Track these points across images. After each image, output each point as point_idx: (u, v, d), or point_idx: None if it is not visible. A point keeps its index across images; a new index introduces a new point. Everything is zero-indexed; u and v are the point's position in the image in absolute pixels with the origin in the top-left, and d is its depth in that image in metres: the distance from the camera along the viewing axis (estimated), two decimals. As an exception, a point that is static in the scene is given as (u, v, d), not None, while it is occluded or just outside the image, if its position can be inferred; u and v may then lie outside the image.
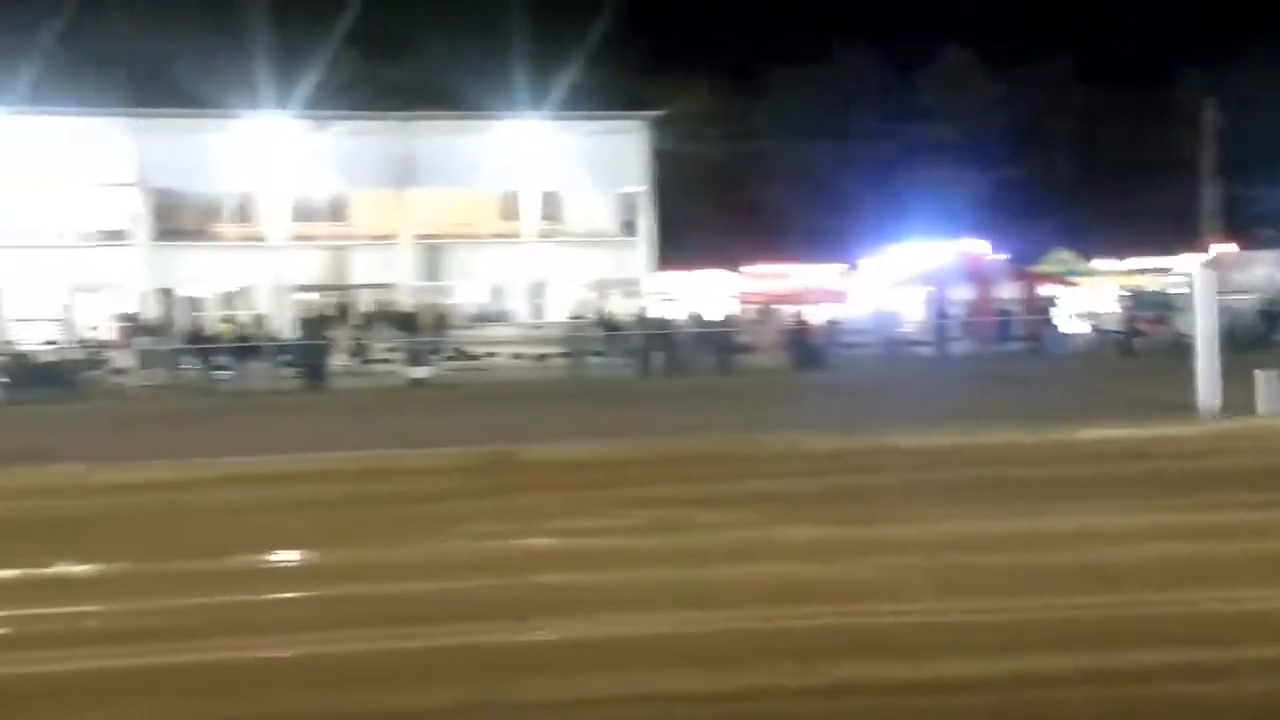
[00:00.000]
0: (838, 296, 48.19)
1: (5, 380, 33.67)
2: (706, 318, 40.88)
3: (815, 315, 41.54)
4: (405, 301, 47.67)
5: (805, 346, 37.44)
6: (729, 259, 54.91)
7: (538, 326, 47.80)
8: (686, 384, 33.31)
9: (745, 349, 38.60)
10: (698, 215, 58.02)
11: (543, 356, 37.99)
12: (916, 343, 40.31)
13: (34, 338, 42.11)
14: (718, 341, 37.18)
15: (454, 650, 8.54)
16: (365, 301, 50.16)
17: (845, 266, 53.48)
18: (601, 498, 14.75)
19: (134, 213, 48.18)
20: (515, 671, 8.08)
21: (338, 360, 37.76)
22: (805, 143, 62.02)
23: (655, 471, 16.64)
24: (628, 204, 53.19)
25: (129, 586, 10.84)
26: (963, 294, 42.53)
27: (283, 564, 11.96)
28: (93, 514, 14.68)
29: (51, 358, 36.00)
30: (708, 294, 50.70)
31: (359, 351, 39.87)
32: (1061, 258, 56.86)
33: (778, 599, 9.79)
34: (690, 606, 9.59)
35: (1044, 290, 44.88)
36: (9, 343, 38.89)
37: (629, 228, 52.76)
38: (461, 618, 9.45)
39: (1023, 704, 7.36)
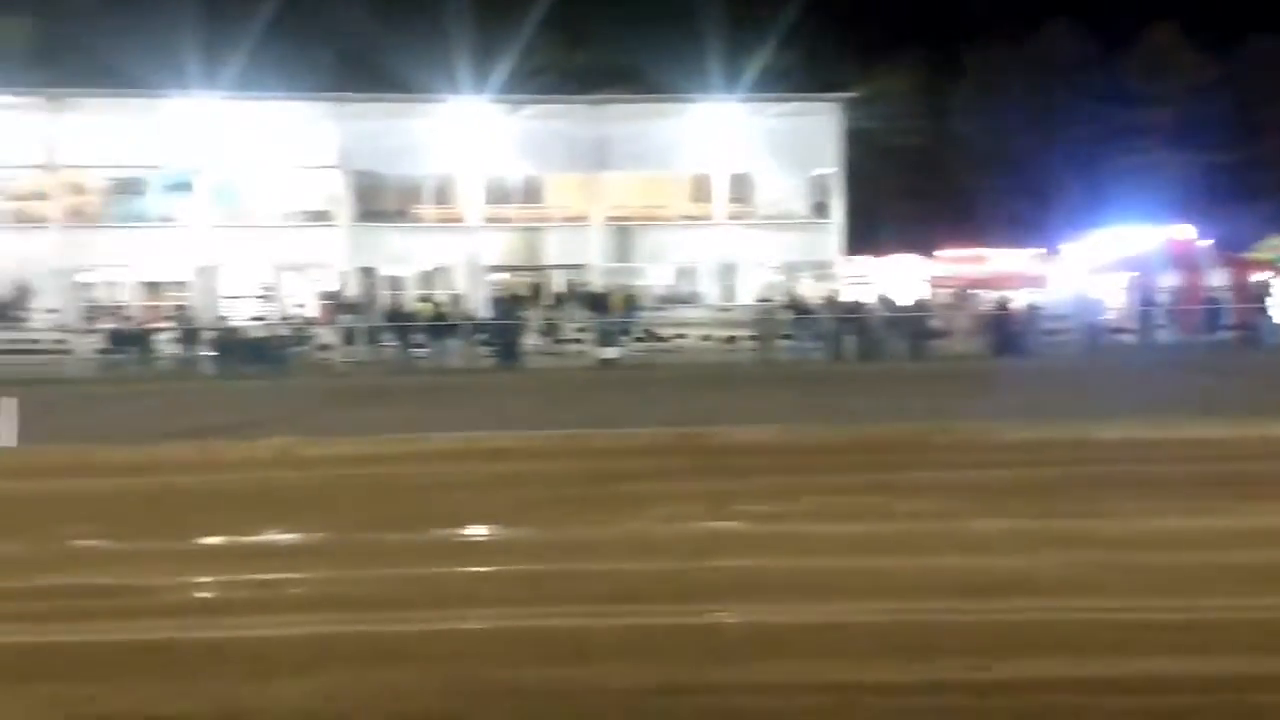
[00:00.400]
0: (1036, 282, 47.10)
1: (215, 354, 35.15)
2: (899, 302, 40.38)
3: (1014, 300, 40.67)
4: (596, 283, 48.17)
5: (1003, 332, 36.71)
6: (922, 243, 54.05)
7: (727, 309, 47.79)
8: (878, 369, 33.03)
9: (939, 334, 38.05)
10: (891, 198, 57.22)
11: (731, 339, 38.05)
12: (1119, 330, 39.18)
13: (243, 314, 43.91)
14: (911, 326, 36.75)
15: (646, 630, 8.63)
16: (557, 282, 50.84)
17: (1044, 251, 52.20)
18: (791, 483, 14.72)
19: (336, 194, 49.67)
20: (704, 654, 8.13)
21: (530, 340, 38.43)
22: (1005, 124, 60.61)
23: (845, 458, 16.55)
24: (819, 186, 52.74)
25: (334, 556, 11.21)
26: (1169, 281, 41.12)
27: (480, 538, 12.24)
28: (299, 485, 15.25)
29: (260, 334, 37.39)
30: (900, 278, 50.02)
31: (551, 331, 40.51)
32: (1275, 244, 54.47)
33: (966, 591, 9.65)
34: (877, 596, 9.52)
35: (1256, 278, 43.07)
36: (221, 318, 40.56)
37: (820, 210, 52.31)
38: (651, 598, 9.56)
39: (1218, 706, 7.13)
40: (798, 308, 40.08)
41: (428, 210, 50.60)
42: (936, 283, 49.78)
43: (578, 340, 38.67)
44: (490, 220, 50.33)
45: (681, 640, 8.42)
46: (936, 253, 53.80)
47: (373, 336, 38.38)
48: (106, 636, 8.65)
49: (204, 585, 10.32)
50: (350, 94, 48.31)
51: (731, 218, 51.93)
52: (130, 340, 36.04)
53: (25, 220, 48.20)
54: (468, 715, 6.95)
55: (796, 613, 9.12)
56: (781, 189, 53.59)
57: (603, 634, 8.50)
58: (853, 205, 52.41)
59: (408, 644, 8.31)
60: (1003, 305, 38.67)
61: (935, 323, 39.04)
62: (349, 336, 38.39)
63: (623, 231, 51.41)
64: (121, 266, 48.58)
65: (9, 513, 13.59)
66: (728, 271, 52.06)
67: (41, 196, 48.17)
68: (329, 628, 8.75)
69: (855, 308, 39.25)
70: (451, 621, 8.88)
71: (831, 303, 39.69)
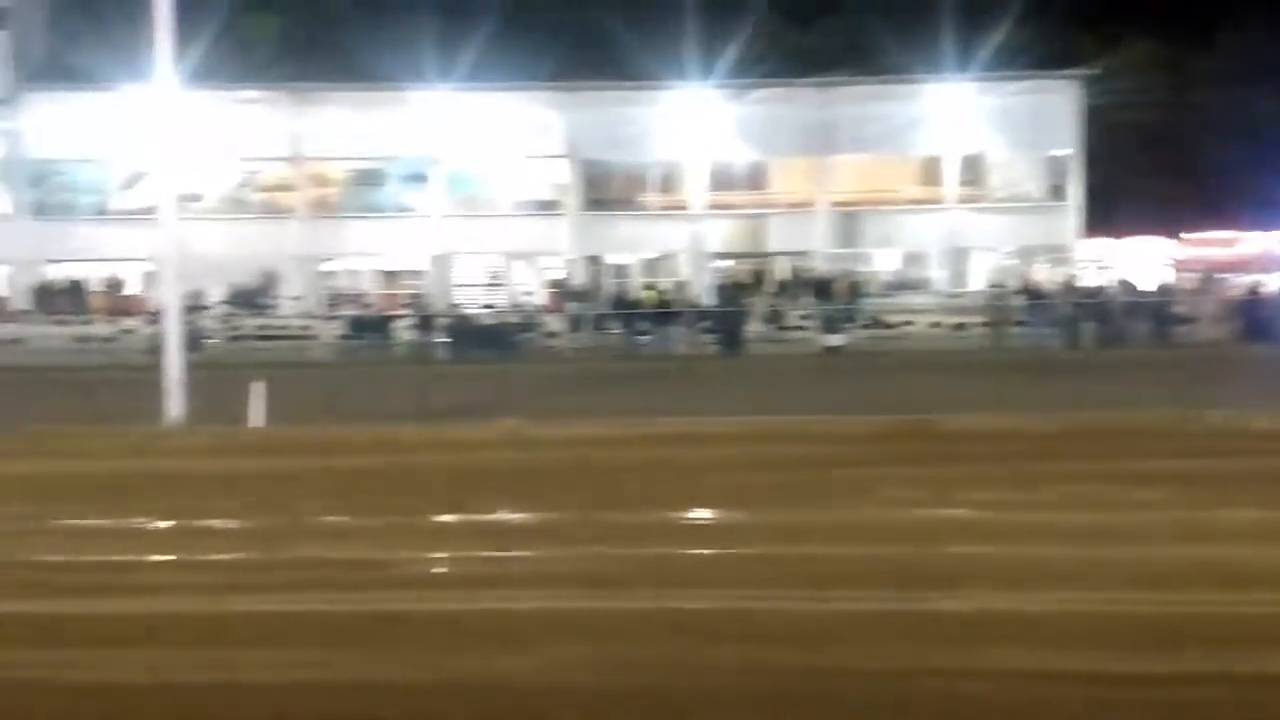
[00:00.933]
0: (1287, 265, 44.87)
1: (448, 340, 36.20)
2: (1140, 286, 38.95)
3: (1266, 285, 38.81)
4: (821, 269, 47.83)
5: (1254, 318, 35.03)
6: (1166, 225, 51.96)
7: (957, 295, 46.86)
8: (1118, 356, 31.97)
9: (1184, 320, 36.56)
10: (1132, 178, 55.11)
11: (962, 326, 37.33)
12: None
13: (475, 302, 45.12)
14: (1153, 311, 35.41)
15: (873, 615, 8.57)
16: (782, 269, 50.67)
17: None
18: (1023, 471, 14.37)
19: (564, 183, 50.52)
20: (931, 639, 8.02)
21: (754, 327, 38.42)
22: (1257, 99, 57.65)
23: (1082, 446, 16.08)
24: (1056, 167, 51.22)
25: (563, 535, 11.44)
26: None
27: (705, 521, 12.32)
28: (529, 467, 15.58)
29: (490, 321, 38.34)
30: (1142, 261, 48.25)
31: (775, 319, 40.40)
32: None
33: (1210, 582, 9.29)
34: (1113, 586, 9.24)
35: None
36: (454, 306, 41.73)
37: (1057, 192, 50.79)
38: (878, 583, 9.48)
39: None
40: (1033, 293, 39.03)
41: (653, 198, 51.03)
42: (1181, 266, 47.89)
43: (802, 327, 38.48)
44: (715, 207, 50.45)
45: (909, 626, 8.32)
46: (1182, 235, 51.69)
47: (598, 323, 38.94)
48: (348, 607, 9.01)
49: (439, 561, 10.66)
50: (578, 83, 49.00)
51: (962, 201, 50.86)
52: (369, 326, 37.42)
53: (271, 211, 50.49)
54: (698, 693, 7.00)
55: (1028, 601, 8.93)
56: (1016, 170, 52.26)
57: (830, 618, 8.46)
58: (1091, 186, 50.67)
59: (637, 622, 8.42)
60: (1253, 290, 36.93)
61: (1180, 308, 37.55)
62: (575, 323, 39.04)
63: (849, 216, 50.88)
64: (361, 255, 50.47)
65: (260, 489, 14.26)
66: (958, 256, 51.03)
67: (287, 188, 50.37)
68: (559, 604, 8.94)
69: (1094, 293, 38.02)
70: (680, 601, 8.96)
71: (1069, 287, 38.53)
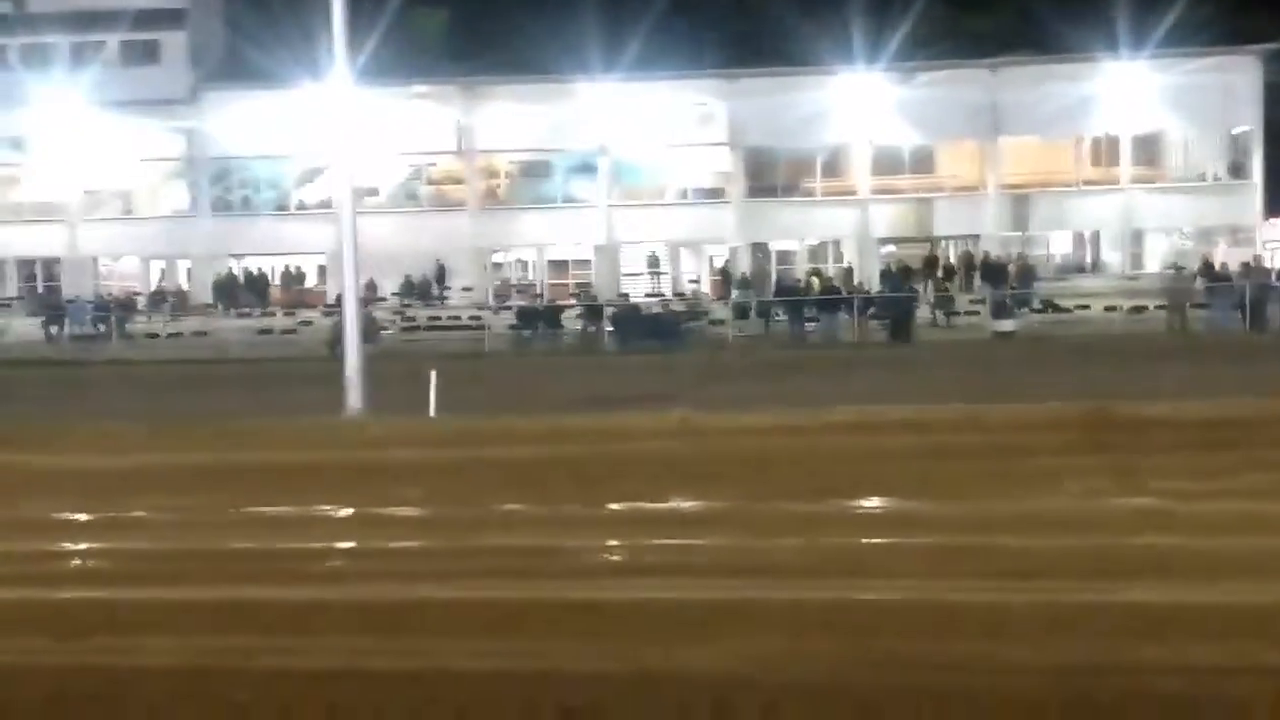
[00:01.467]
0: None
1: (615, 329, 36.45)
2: (1326, 267, 37.44)
3: None
4: (992, 253, 46.95)
5: None
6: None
7: (1133, 277, 45.61)
8: (1303, 339, 30.79)
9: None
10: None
11: (1139, 309, 36.30)
12: None
13: (641, 290, 45.39)
14: (1341, 293, 34.00)
15: (1062, 606, 8.37)
16: (951, 253, 49.90)
17: None
18: (1214, 459, 13.88)
19: (728, 171, 50.46)
20: (1121, 633, 7.81)
21: (923, 313, 37.90)
22: None
23: (1270, 432, 15.46)
24: (1236, 145, 49.47)
25: (738, 524, 11.41)
26: None
27: (882, 510, 12.17)
28: (701, 456, 15.57)
29: (657, 309, 38.49)
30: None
31: (943, 304, 39.79)
32: None
33: None
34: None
35: None
36: (621, 295, 42.03)
37: (1238, 170, 49.06)
38: (1065, 574, 9.28)
39: None
40: (1213, 275, 37.75)
41: (818, 183, 50.68)
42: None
43: (972, 312, 37.82)
44: (880, 191, 49.93)
45: (1099, 618, 8.11)
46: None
47: (764, 311, 38.82)
48: (532, 594, 9.13)
49: (616, 549, 10.73)
50: (741, 70, 48.91)
51: (1137, 181, 49.48)
52: (538, 317, 37.87)
53: (442, 204, 51.46)
54: (880, 686, 6.93)
55: (1226, 592, 8.64)
56: (1193, 149, 50.63)
57: (1016, 610, 8.29)
58: (1275, 164, 48.83)
59: (817, 612, 8.37)
60: None
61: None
62: (741, 311, 38.98)
63: (1019, 199, 49.88)
64: (530, 246, 51.15)
65: (438, 478, 14.51)
66: (1134, 238, 49.64)
67: (456, 181, 51.30)
68: (736, 593, 8.92)
69: (1278, 274, 36.63)
70: (860, 591, 8.88)
71: (1251, 269, 37.15)
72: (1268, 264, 40.41)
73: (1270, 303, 34.38)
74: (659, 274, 50.43)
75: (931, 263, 47.83)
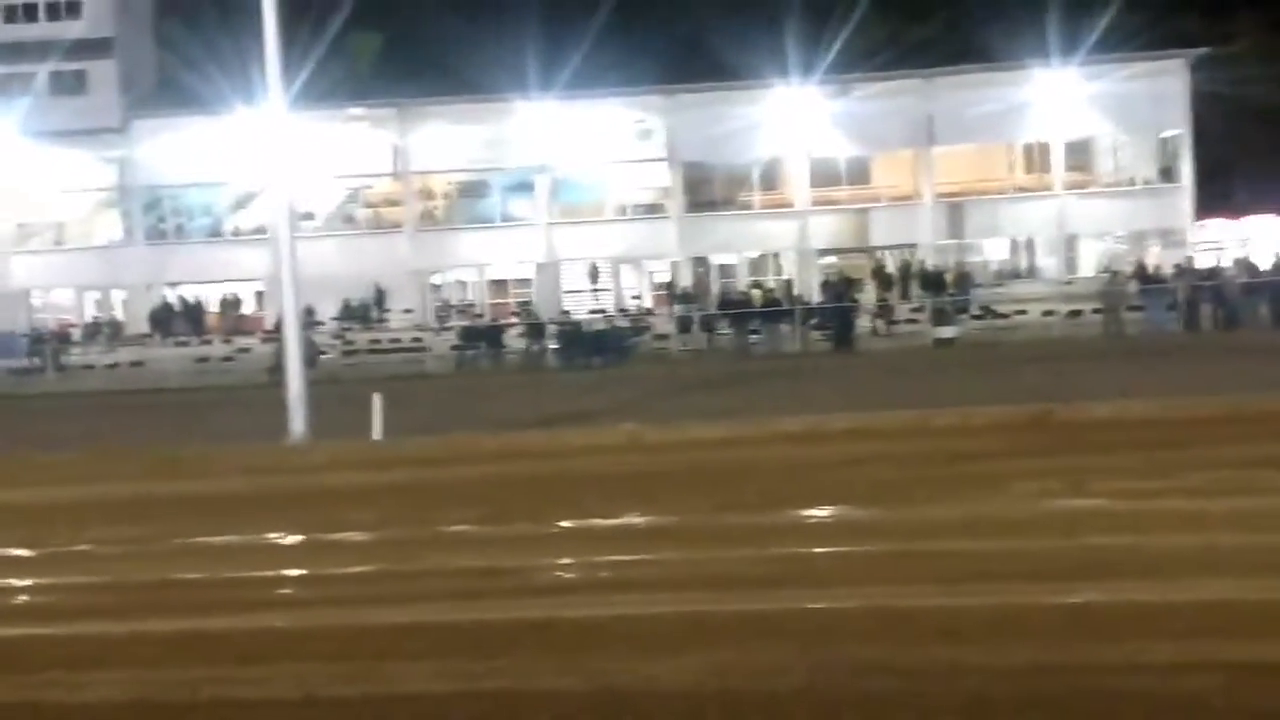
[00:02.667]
0: None
1: (558, 347, 36.38)
2: (1259, 267, 37.97)
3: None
4: (929, 261, 47.33)
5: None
6: (1283, 204, 50.62)
7: (1069, 282, 46.13)
8: (1238, 338, 31.24)
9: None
10: (1247, 158, 53.77)
11: (1076, 313, 36.70)
12: None
13: (583, 307, 45.35)
14: (1273, 292, 34.49)
15: (1015, 609, 8.42)
16: (889, 263, 50.24)
17: None
18: (1158, 458, 14.08)
19: (667, 186, 50.57)
20: (1074, 634, 7.86)
21: (863, 322, 38.12)
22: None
23: (1216, 431, 15.71)
24: (1166, 149, 50.20)
25: (692, 538, 11.41)
26: None
27: (835, 519, 12.20)
28: (651, 470, 15.59)
29: (599, 326, 38.46)
30: (1259, 241, 47.06)
31: (884, 313, 40.06)
32: None
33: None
34: (1268, 574, 8.99)
35: None
36: (563, 312, 41.96)
37: (1168, 174, 49.77)
38: (1018, 577, 9.34)
39: None
40: (1147, 277, 38.25)
41: (756, 196, 50.89)
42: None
43: (912, 321, 38.09)
44: (818, 203, 50.20)
45: (1050, 619, 8.17)
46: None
47: (707, 324, 38.91)
48: (488, 615, 9.05)
49: (571, 566, 10.67)
50: (677, 86, 49.03)
51: (1070, 187, 50.07)
52: (480, 336, 37.72)
53: (380, 226, 51.21)
54: (844, 693, 6.93)
55: (1174, 591, 8.73)
56: (1125, 154, 51.33)
57: (968, 613, 8.34)
58: (1204, 167, 49.58)
59: (777, 622, 8.37)
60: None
61: (1301, 288, 36.55)
62: (684, 325, 39.05)
63: (954, 207, 50.32)
64: (469, 266, 50.98)
65: (386, 501, 14.43)
66: (1068, 243, 50.24)
67: (394, 202, 51.06)
68: (695, 606, 8.91)
69: (1211, 275, 37.15)
70: (818, 601, 8.89)
71: (1184, 270, 37.68)
72: (1199, 265, 40.95)
73: (1203, 303, 34.84)
74: (601, 291, 50.45)
75: (871, 273, 48.14)
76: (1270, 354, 25.62)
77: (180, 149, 48.38)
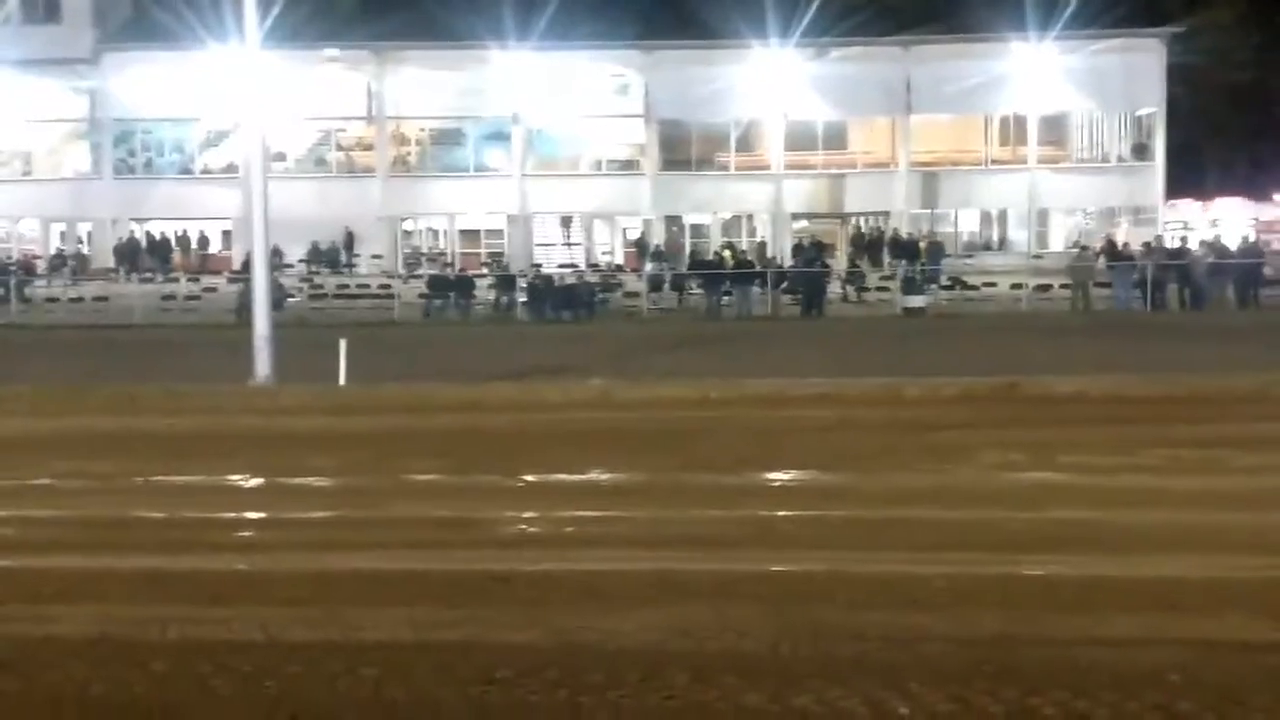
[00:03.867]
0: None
1: (527, 300, 36.25)
2: (1227, 248, 38.18)
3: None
4: (902, 229, 47.40)
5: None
6: (1253, 185, 50.92)
7: (1039, 256, 46.34)
8: (1204, 319, 31.48)
9: (1271, 282, 35.91)
10: (1219, 138, 54.04)
11: (1044, 287, 36.84)
12: None
13: (554, 261, 45.19)
14: (1240, 273, 34.70)
15: (980, 579, 8.46)
16: (862, 229, 50.30)
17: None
18: (1123, 434, 14.19)
19: (642, 143, 50.38)
20: (1036, 605, 7.91)
21: (834, 288, 38.15)
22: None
23: (1177, 409, 15.84)
24: (1140, 127, 50.37)
25: (659, 495, 11.42)
26: None
27: (801, 483, 12.23)
28: (619, 427, 15.59)
29: (570, 280, 38.34)
30: (1228, 222, 47.33)
31: (855, 279, 40.10)
32: None
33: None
34: (1222, 551, 9.09)
35: None
36: (534, 265, 41.78)
37: (1141, 152, 49.96)
38: (983, 546, 9.39)
39: None
40: (1116, 254, 38.40)
41: (732, 157, 50.77)
42: (1267, 228, 46.95)
43: (883, 288, 38.15)
44: (793, 167, 50.14)
45: (1017, 591, 8.22)
46: (1270, 196, 50.62)
47: (678, 284, 38.86)
48: (451, 566, 9.04)
49: (536, 520, 10.66)
50: (657, 42, 48.80)
51: (1043, 161, 50.20)
52: (449, 286, 37.53)
53: (352, 170, 50.84)
54: (809, 656, 6.95)
55: (1137, 565, 8.80)
56: (1099, 130, 51.49)
57: (936, 581, 8.37)
58: (1176, 146, 49.80)
59: (743, 583, 8.38)
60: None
61: (1266, 270, 36.81)
62: (655, 283, 38.99)
63: (929, 176, 50.39)
64: (441, 214, 50.72)
65: (350, 447, 14.37)
66: (1040, 217, 50.41)
67: (367, 147, 50.68)
68: (662, 564, 8.90)
69: (1178, 254, 37.35)
70: (784, 563, 8.91)
71: (1153, 249, 37.86)
72: (1168, 244, 41.17)
73: (1170, 283, 35.03)
74: (573, 245, 50.34)
75: (860, 240, 48.16)
76: (1233, 335, 25.82)
77: (152, 83, 47.85)
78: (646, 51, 49.00)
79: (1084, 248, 41.40)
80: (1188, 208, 51.67)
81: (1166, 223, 48.88)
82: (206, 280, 42.23)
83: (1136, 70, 48.84)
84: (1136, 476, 12.07)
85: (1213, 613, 7.66)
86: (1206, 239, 40.11)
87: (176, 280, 43.17)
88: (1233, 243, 39.90)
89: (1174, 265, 35.94)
